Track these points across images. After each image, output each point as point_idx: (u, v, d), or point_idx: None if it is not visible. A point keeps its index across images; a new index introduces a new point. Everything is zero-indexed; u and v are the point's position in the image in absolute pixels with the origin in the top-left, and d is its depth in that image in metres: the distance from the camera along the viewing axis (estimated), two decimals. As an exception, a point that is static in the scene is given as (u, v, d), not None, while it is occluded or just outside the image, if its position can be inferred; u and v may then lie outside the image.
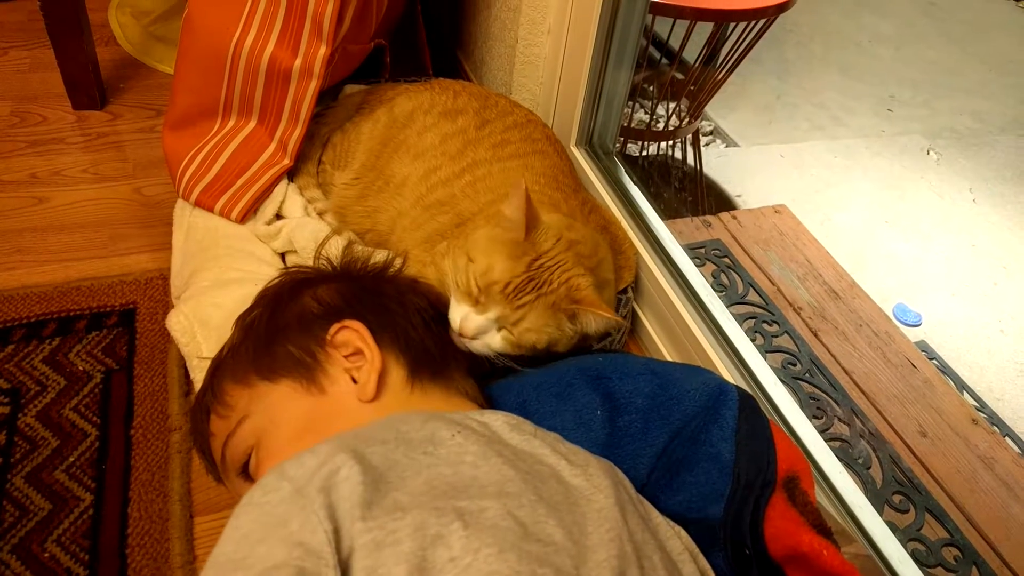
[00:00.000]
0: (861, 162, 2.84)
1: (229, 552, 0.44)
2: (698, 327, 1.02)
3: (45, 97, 1.48)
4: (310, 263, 1.00)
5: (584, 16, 1.18)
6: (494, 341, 0.77)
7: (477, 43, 1.54)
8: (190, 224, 1.09)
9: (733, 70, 2.06)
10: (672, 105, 2.24)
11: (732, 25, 1.97)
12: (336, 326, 0.70)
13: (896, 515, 1.06)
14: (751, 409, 0.66)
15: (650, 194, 1.22)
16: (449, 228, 0.97)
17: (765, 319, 1.36)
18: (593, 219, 1.03)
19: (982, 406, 1.88)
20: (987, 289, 2.32)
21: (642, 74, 2.35)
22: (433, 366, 0.71)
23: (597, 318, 0.77)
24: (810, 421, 0.94)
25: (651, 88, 2.44)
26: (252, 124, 1.14)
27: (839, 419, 1.19)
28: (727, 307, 1.04)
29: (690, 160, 2.55)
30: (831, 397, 1.23)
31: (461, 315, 0.77)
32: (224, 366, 0.71)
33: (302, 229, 1.06)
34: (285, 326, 0.71)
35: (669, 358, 1.08)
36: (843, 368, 1.30)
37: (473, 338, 0.76)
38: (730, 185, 2.59)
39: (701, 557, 0.58)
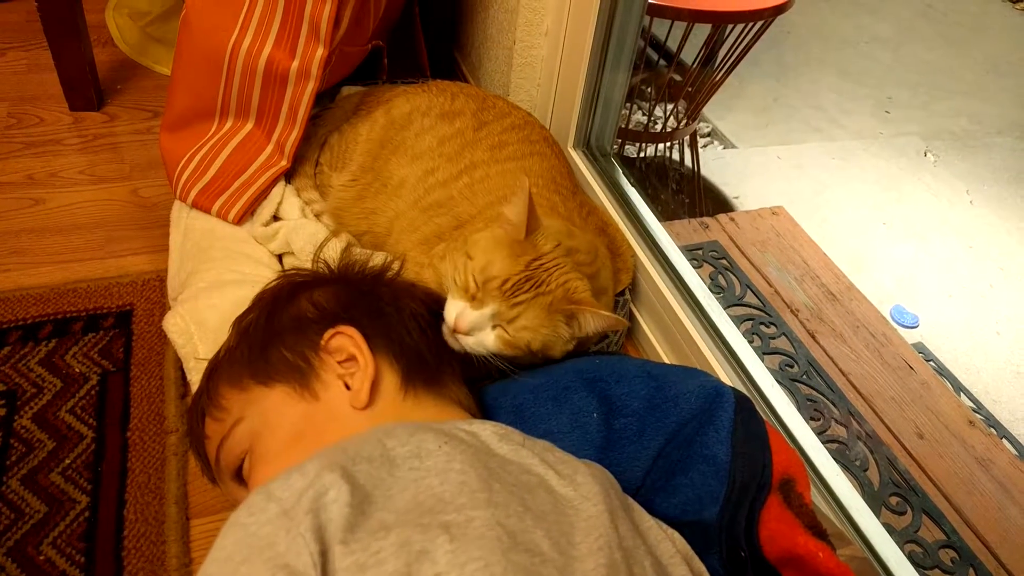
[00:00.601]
0: (858, 164, 2.85)
1: (212, 573, 0.44)
2: (695, 329, 1.02)
3: (42, 98, 1.48)
4: (307, 265, 1.00)
5: (582, 18, 1.18)
6: (488, 339, 0.77)
7: (475, 45, 1.54)
8: (187, 226, 1.09)
9: (731, 72, 2.06)
10: (670, 107, 2.24)
11: (730, 27, 1.97)
12: (330, 332, 0.70)
13: (893, 517, 1.06)
14: (747, 411, 0.66)
15: (647, 196, 1.22)
16: (447, 230, 0.97)
17: (762, 321, 1.36)
18: (591, 221, 1.03)
19: (979, 408, 1.88)
20: (984, 291, 2.32)
21: (640, 75, 2.35)
22: (427, 373, 0.70)
23: (596, 317, 0.76)
24: (807, 423, 0.94)
25: (649, 89, 2.45)
26: (249, 126, 1.14)
27: (836, 421, 1.20)
28: (724, 309, 1.04)
29: (687, 162, 2.55)
30: (828, 399, 1.23)
31: (457, 310, 0.76)
32: (220, 369, 0.71)
33: (299, 231, 1.06)
34: (281, 330, 0.71)
35: (666, 360, 1.08)
36: (840, 370, 1.30)
37: (467, 334, 0.76)
38: (727, 187, 2.59)
39: (696, 560, 0.58)
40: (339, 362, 0.68)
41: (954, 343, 2.09)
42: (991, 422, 1.84)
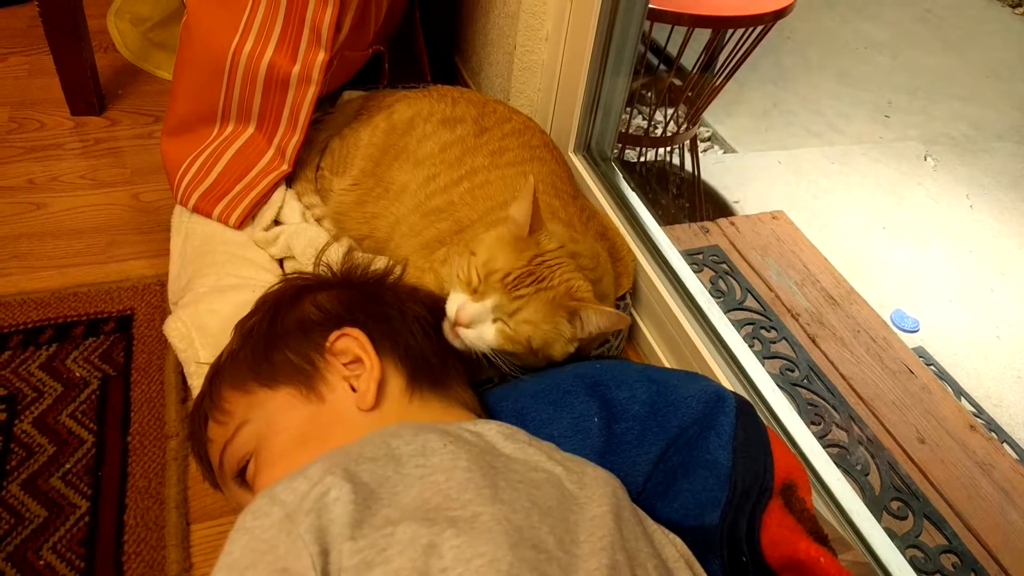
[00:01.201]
0: (858, 168, 2.85)
1: None
2: (696, 333, 1.02)
3: (43, 103, 1.48)
4: (308, 269, 1.00)
5: (582, 23, 1.18)
6: (488, 332, 0.76)
7: (475, 49, 1.54)
8: (188, 230, 1.09)
9: (731, 76, 2.07)
10: (670, 111, 2.24)
11: (730, 32, 1.98)
12: (336, 333, 0.70)
13: (894, 522, 1.06)
14: (749, 416, 0.66)
15: (648, 200, 1.22)
16: (448, 235, 0.97)
17: (763, 325, 1.36)
18: (592, 226, 1.03)
19: (980, 412, 1.88)
20: (984, 295, 2.33)
21: (640, 80, 2.36)
22: (432, 375, 0.71)
23: (598, 315, 0.76)
24: (808, 427, 0.94)
25: (649, 94, 2.45)
26: (250, 130, 1.14)
27: (837, 425, 1.19)
28: (725, 313, 1.04)
29: (688, 166, 2.55)
30: (829, 403, 1.23)
31: (458, 303, 0.76)
32: (223, 372, 0.71)
33: (300, 235, 1.06)
34: (285, 333, 0.71)
35: (667, 365, 1.08)
36: (841, 374, 1.30)
37: (468, 327, 0.76)
38: (728, 191, 2.59)
39: (697, 565, 0.58)
40: (344, 364, 0.68)
41: (955, 347, 2.10)
42: (992, 426, 1.84)
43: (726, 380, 0.98)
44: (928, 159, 2.97)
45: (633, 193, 1.22)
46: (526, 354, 0.78)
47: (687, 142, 2.46)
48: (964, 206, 2.73)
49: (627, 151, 2.49)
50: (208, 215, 1.10)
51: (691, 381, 0.71)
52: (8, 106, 1.47)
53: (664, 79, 2.25)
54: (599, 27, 1.16)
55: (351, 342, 0.69)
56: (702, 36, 1.98)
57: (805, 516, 0.60)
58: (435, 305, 0.79)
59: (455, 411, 0.70)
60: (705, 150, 2.82)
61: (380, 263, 0.86)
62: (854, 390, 1.28)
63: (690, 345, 1.02)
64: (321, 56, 1.05)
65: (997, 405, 1.93)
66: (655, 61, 2.46)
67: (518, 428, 0.62)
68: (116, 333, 1.04)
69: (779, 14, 1.90)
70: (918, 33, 3.98)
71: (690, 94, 2.18)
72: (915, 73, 3.57)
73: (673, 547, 0.57)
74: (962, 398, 1.90)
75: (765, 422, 0.69)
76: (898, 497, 1.10)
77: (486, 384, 0.80)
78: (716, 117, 2.97)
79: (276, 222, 1.11)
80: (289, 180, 1.15)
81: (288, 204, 1.12)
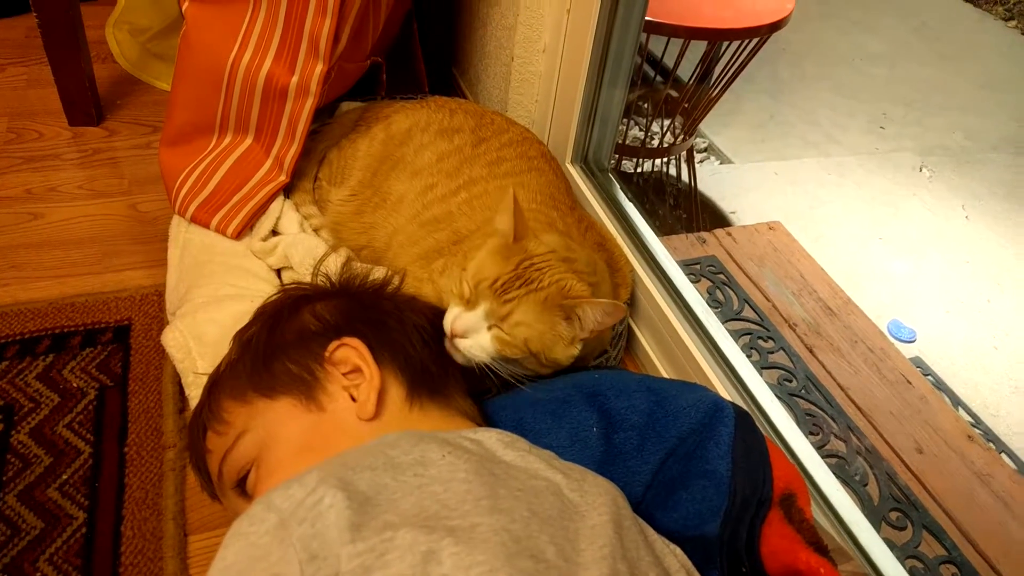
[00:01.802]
0: (854, 179, 2.86)
1: None
2: (694, 343, 1.02)
3: (42, 113, 1.49)
4: (306, 279, 1.00)
5: (579, 35, 1.19)
6: (485, 340, 0.76)
7: (473, 61, 1.55)
8: (186, 240, 1.09)
9: (727, 88, 2.08)
10: (666, 122, 2.25)
11: (726, 44, 1.99)
12: (335, 343, 0.70)
13: (893, 532, 1.06)
14: (747, 426, 0.66)
15: (645, 211, 1.22)
16: (446, 245, 0.97)
17: (760, 335, 1.36)
18: (589, 236, 1.03)
19: (977, 422, 1.88)
20: (981, 305, 2.33)
21: (637, 92, 2.37)
22: (432, 384, 0.71)
23: (594, 307, 0.76)
24: (806, 438, 0.94)
25: (646, 106, 2.46)
26: (248, 141, 1.15)
27: (835, 436, 1.19)
28: (722, 323, 1.04)
29: (684, 177, 2.56)
30: (827, 413, 1.23)
31: (452, 316, 0.77)
32: (221, 383, 0.71)
33: (298, 245, 1.06)
34: (284, 343, 0.71)
35: (665, 375, 1.08)
36: (839, 384, 1.30)
37: (464, 336, 0.76)
38: (724, 202, 2.60)
39: (697, 574, 0.58)
40: (344, 374, 0.68)
41: (952, 357, 2.10)
42: (990, 437, 1.84)
43: (724, 390, 0.98)
44: (924, 170, 2.98)
45: (630, 204, 1.23)
46: (528, 359, 0.77)
47: (684, 153, 2.47)
48: (960, 217, 2.75)
49: (624, 162, 2.50)
50: (206, 225, 1.10)
51: (689, 391, 0.71)
52: (6, 116, 1.47)
53: (660, 91, 2.26)
54: (596, 39, 1.17)
55: (350, 352, 0.69)
56: (698, 48, 1.99)
57: (805, 527, 0.60)
58: (434, 315, 0.80)
59: (455, 420, 0.70)
60: (701, 161, 2.82)
61: (378, 273, 0.86)
62: (852, 400, 1.28)
63: (688, 355, 1.02)
64: (319, 67, 1.05)
65: (995, 415, 1.93)
66: (651, 73, 2.48)
67: (518, 436, 0.62)
68: (113, 343, 1.04)
69: (775, 26, 1.91)
70: (913, 45, 4.01)
71: (686, 105, 2.19)
72: (910, 85, 3.60)
73: (674, 557, 0.57)
74: (960, 408, 1.90)
75: (763, 432, 0.69)
76: (897, 507, 1.09)
77: (486, 394, 0.80)
78: (712, 128, 2.98)
79: (274, 232, 1.11)
80: (287, 190, 1.15)
81: (286, 214, 1.12)
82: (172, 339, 0.92)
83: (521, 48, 1.30)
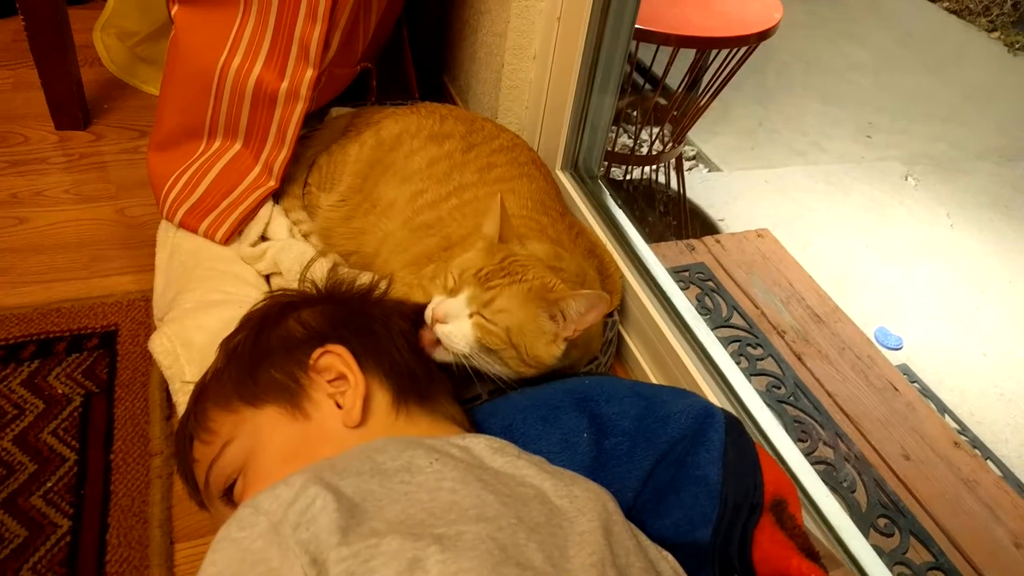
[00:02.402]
0: (841, 187, 2.88)
1: None
2: (683, 350, 1.03)
3: (28, 117, 1.47)
4: (295, 285, 1.00)
5: (569, 42, 1.19)
6: (465, 327, 0.75)
7: (463, 67, 1.55)
8: (174, 245, 1.09)
9: (715, 96, 2.09)
10: (655, 130, 2.26)
11: (714, 52, 2.00)
12: (319, 351, 0.69)
13: (881, 538, 1.06)
14: (738, 432, 0.67)
15: (635, 218, 1.23)
16: (436, 251, 0.97)
17: (749, 342, 1.36)
18: (580, 242, 1.03)
19: (964, 429, 1.89)
20: (967, 313, 2.35)
21: (626, 99, 2.38)
22: (419, 390, 0.70)
23: (577, 300, 0.75)
24: (795, 444, 0.94)
25: (635, 113, 2.47)
26: (237, 146, 1.14)
27: (824, 442, 1.20)
28: (712, 330, 1.04)
29: (673, 184, 2.57)
30: (815, 420, 1.24)
31: (435, 303, 0.77)
32: (207, 391, 0.70)
33: (287, 251, 1.06)
34: (269, 350, 0.70)
35: (655, 381, 1.08)
36: (827, 391, 1.31)
37: (444, 322, 0.75)
38: (713, 209, 2.61)
39: (689, 581, 0.58)
40: (329, 381, 0.68)
41: (938, 365, 2.11)
42: (976, 443, 1.85)
43: (713, 397, 0.98)
44: (909, 179, 3.01)
45: (620, 211, 1.23)
46: (509, 353, 0.76)
47: (673, 161, 2.48)
48: (945, 225, 2.77)
49: (613, 169, 2.51)
50: (194, 230, 1.09)
51: (680, 397, 0.71)
52: (-8, 120, 1.46)
53: (650, 98, 2.27)
54: (586, 46, 1.17)
55: (334, 359, 0.69)
56: (687, 56, 2.00)
57: (797, 533, 0.60)
58: (421, 319, 0.79)
59: (442, 426, 0.70)
60: (690, 169, 2.84)
61: (365, 278, 0.86)
62: (840, 407, 1.28)
63: (677, 362, 1.02)
64: (309, 73, 1.05)
65: (980, 422, 1.95)
66: (641, 81, 2.49)
67: (507, 442, 0.62)
68: (100, 349, 1.03)
69: (763, 35, 1.93)
70: (899, 55, 4.06)
71: (675, 113, 2.20)
72: (896, 94, 3.63)
73: (666, 562, 0.57)
74: (946, 415, 1.92)
75: (753, 439, 0.69)
76: (885, 514, 1.10)
77: (475, 401, 0.80)
78: (701, 136, 3.00)
79: (263, 238, 1.11)
80: (276, 196, 1.14)
81: (275, 220, 1.12)
82: (159, 345, 0.91)
83: (512, 55, 1.30)
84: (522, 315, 0.76)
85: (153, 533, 0.83)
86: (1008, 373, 2.14)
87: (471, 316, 0.76)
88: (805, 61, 3.78)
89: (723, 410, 0.68)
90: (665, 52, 1.95)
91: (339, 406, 0.66)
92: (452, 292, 0.77)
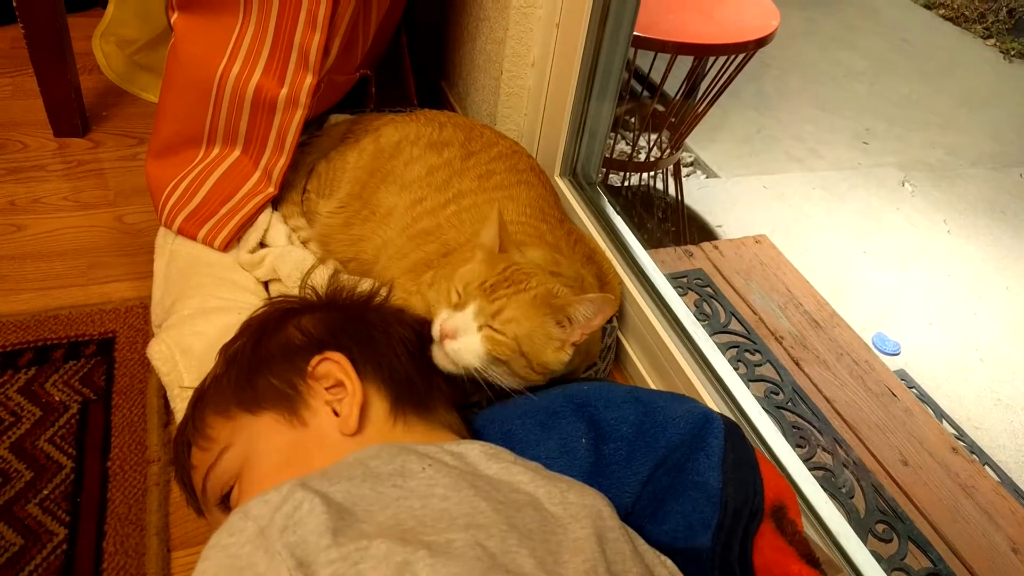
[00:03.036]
0: (838, 193, 2.89)
1: None
2: (682, 356, 1.03)
3: (26, 124, 1.47)
4: (294, 292, 1.00)
5: (568, 49, 1.19)
6: (475, 341, 0.75)
7: (462, 74, 1.55)
8: (172, 252, 1.09)
9: (713, 103, 2.10)
10: (654, 137, 2.27)
11: (712, 59, 2.01)
12: (317, 358, 0.69)
13: (880, 544, 1.06)
14: (737, 437, 0.67)
15: (633, 224, 1.23)
16: (435, 258, 0.97)
17: (747, 348, 1.36)
18: (579, 249, 1.03)
19: (961, 435, 1.89)
20: (964, 319, 2.36)
21: (624, 106, 2.39)
22: (416, 399, 0.70)
23: (583, 304, 0.76)
24: (794, 450, 0.94)
25: (633, 120, 2.48)
26: (236, 153, 1.14)
27: (822, 448, 1.20)
28: (710, 336, 1.04)
29: (671, 191, 2.58)
30: (814, 426, 1.24)
31: (442, 318, 0.77)
32: (206, 398, 0.70)
33: (286, 258, 1.06)
34: (268, 357, 0.70)
35: (654, 387, 1.08)
36: (825, 397, 1.31)
37: (454, 338, 0.75)
38: (711, 215, 2.62)
39: (688, 587, 0.58)
40: (327, 388, 0.68)
41: (935, 370, 2.12)
42: (973, 449, 1.85)
43: (712, 402, 0.98)
44: (906, 185, 3.02)
45: (618, 217, 1.23)
46: (519, 362, 0.76)
47: (671, 167, 2.48)
48: (942, 231, 2.78)
49: (611, 175, 2.52)
50: (193, 237, 1.09)
51: (679, 402, 0.71)
52: (-10, 127, 1.46)
53: (648, 105, 2.28)
54: (585, 53, 1.18)
55: (333, 366, 0.69)
56: (685, 63, 2.01)
57: (797, 539, 0.60)
58: (421, 327, 0.79)
59: (439, 433, 0.70)
60: (688, 175, 2.85)
61: (365, 285, 0.86)
62: (838, 413, 1.28)
63: (676, 368, 1.02)
64: (309, 80, 1.05)
65: (978, 427, 1.95)
66: (639, 87, 2.49)
67: (503, 448, 0.62)
68: (97, 356, 1.03)
69: (760, 42, 1.94)
70: (895, 62, 4.07)
71: (673, 120, 2.20)
72: (892, 101, 3.65)
73: (664, 568, 0.57)
74: (944, 421, 1.92)
75: (752, 444, 0.69)
76: (883, 520, 1.10)
77: (473, 407, 0.80)
78: (699, 143, 3.01)
79: (262, 245, 1.11)
80: (275, 203, 1.14)
81: (274, 227, 1.12)
82: (158, 352, 0.91)
83: (510, 62, 1.30)
84: (530, 323, 0.76)
85: (150, 541, 0.83)
86: (1005, 378, 2.14)
87: (480, 329, 0.76)
88: (802, 68, 3.80)
89: (722, 416, 0.68)
90: (663, 59, 1.95)
91: (336, 414, 0.66)
92: (458, 306, 0.77)
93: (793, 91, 3.58)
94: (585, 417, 0.71)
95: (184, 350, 0.91)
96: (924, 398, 1.97)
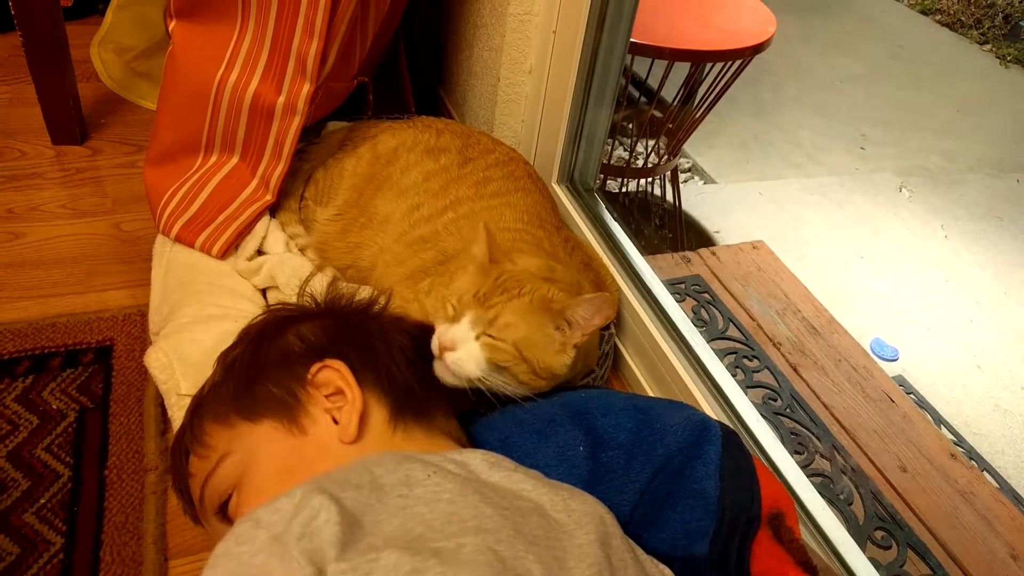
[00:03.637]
0: (836, 199, 2.90)
1: None
2: (679, 363, 1.03)
3: (24, 132, 1.48)
4: (291, 299, 1.00)
5: (565, 56, 1.20)
6: (475, 350, 0.75)
7: (459, 81, 1.56)
8: (170, 259, 1.09)
9: (710, 109, 2.10)
10: (651, 143, 2.28)
11: (709, 65, 2.02)
12: (317, 366, 0.69)
13: (878, 551, 1.06)
14: (735, 445, 0.67)
15: (630, 230, 1.23)
16: (432, 265, 0.97)
17: (745, 354, 1.36)
18: (576, 256, 1.03)
19: (960, 441, 1.89)
20: (962, 324, 2.36)
21: (621, 112, 2.39)
22: (416, 406, 0.70)
23: (581, 305, 0.76)
24: (792, 456, 0.94)
25: (630, 126, 2.49)
26: (234, 160, 1.14)
27: (820, 454, 1.20)
28: (708, 343, 1.04)
29: (669, 197, 2.58)
30: (812, 432, 1.24)
31: (440, 332, 0.77)
32: (204, 405, 0.70)
33: (283, 265, 1.06)
34: (267, 365, 0.70)
35: (651, 394, 1.08)
36: (823, 403, 1.31)
37: (453, 349, 0.75)
38: (708, 221, 2.62)
39: (687, 595, 0.58)
40: (326, 396, 0.68)
41: (933, 376, 2.12)
42: (972, 455, 1.85)
43: (710, 409, 0.98)
44: (903, 190, 3.02)
45: (616, 223, 1.23)
46: (520, 367, 0.76)
47: (668, 173, 2.49)
48: (939, 236, 2.78)
49: (609, 182, 2.52)
50: (191, 245, 1.09)
51: (676, 410, 0.71)
52: (-12, 135, 1.46)
53: (645, 111, 2.29)
54: (582, 60, 1.18)
55: (332, 374, 0.68)
56: (682, 69, 2.01)
57: (794, 546, 0.60)
58: (420, 335, 0.79)
59: (439, 441, 0.70)
60: (686, 181, 2.85)
61: (364, 293, 0.86)
62: (836, 419, 1.28)
63: (674, 374, 1.02)
64: (307, 87, 1.05)
65: (976, 433, 1.95)
66: (636, 94, 2.50)
67: (503, 456, 0.62)
68: (95, 364, 1.03)
69: (757, 48, 1.94)
70: (891, 68, 4.09)
71: (670, 126, 2.21)
72: (889, 107, 3.66)
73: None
74: (942, 427, 1.92)
75: (750, 451, 0.69)
76: (882, 526, 1.10)
77: (473, 415, 0.80)
78: (696, 149, 3.01)
79: (260, 252, 1.11)
80: (273, 210, 1.15)
81: (272, 234, 1.12)
82: (155, 359, 0.91)
83: (507, 69, 1.31)
84: (527, 327, 0.76)
85: (147, 550, 0.82)
86: (1003, 384, 2.14)
87: (477, 338, 0.76)
88: (799, 74, 3.81)
89: (719, 423, 0.68)
90: (660, 65, 1.96)
91: (336, 422, 0.66)
92: (454, 319, 0.77)
93: (790, 97, 3.59)
94: (582, 425, 0.70)
95: (182, 358, 0.91)
96: (922, 404, 1.97)
